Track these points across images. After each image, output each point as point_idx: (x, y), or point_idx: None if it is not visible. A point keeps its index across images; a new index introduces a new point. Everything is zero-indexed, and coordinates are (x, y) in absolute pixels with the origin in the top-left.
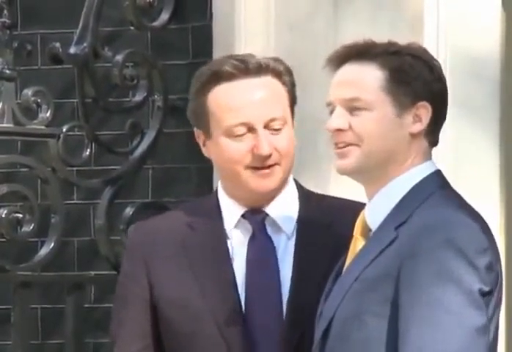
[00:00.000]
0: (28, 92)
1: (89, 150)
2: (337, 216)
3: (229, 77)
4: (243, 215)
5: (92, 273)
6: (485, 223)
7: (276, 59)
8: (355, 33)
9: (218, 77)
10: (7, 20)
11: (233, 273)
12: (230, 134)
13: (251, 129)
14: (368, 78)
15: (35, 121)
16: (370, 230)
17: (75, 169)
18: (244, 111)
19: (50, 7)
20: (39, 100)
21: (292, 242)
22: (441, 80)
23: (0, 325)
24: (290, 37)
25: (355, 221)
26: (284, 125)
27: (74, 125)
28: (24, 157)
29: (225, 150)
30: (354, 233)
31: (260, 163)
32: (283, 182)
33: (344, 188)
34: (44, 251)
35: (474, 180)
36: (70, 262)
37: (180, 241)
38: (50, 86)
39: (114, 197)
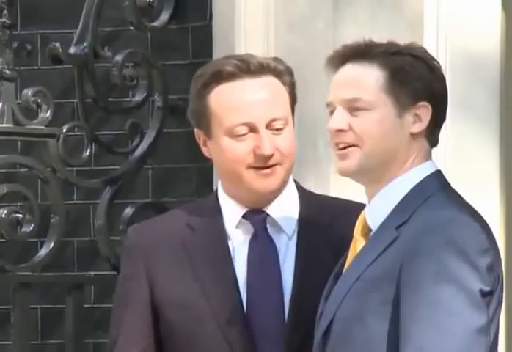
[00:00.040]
0: (28, 92)
1: (89, 150)
2: (337, 217)
3: (231, 77)
4: (243, 216)
5: (92, 273)
6: (485, 223)
7: (277, 59)
8: (355, 33)
9: (220, 77)
10: (7, 20)
11: (234, 274)
12: (232, 134)
13: (253, 129)
14: (369, 78)
15: (35, 121)
16: (371, 230)
17: (75, 169)
18: (246, 111)
19: (50, 7)
20: (39, 100)
21: (293, 242)
22: (441, 80)
23: (0, 325)
24: (290, 36)
25: (355, 222)
26: (285, 125)
27: (74, 125)
28: (24, 157)
29: (227, 150)
30: (354, 234)
31: (262, 163)
32: (284, 183)
33: (344, 188)
34: (44, 251)
35: (474, 180)
36: (69, 263)
37: (180, 242)
38: (50, 86)
39: (113, 197)
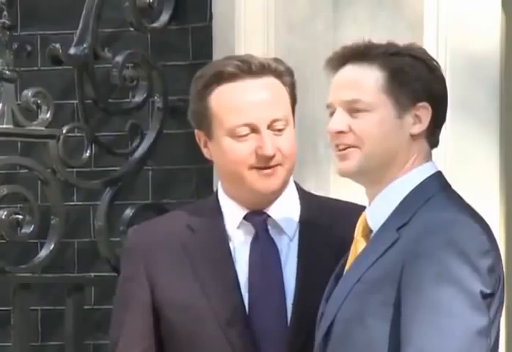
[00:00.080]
0: (28, 93)
1: (89, 151)
2: (337, 218)
3: (232, 77)
4: (244, 217)
5: (92, 274)
6: (486, 225)
7: (277, 60)
8: (355, 33)
9: (221, 77)
10: (7, 21)
11: (236, 274)
12: (233, 135)
13: (254, 130)
14: (368, 79)
15: (35, 122)
16: (371, 232)
17: (75, 170)
18: (248, 111)
19: (50, 8)
20: (39, 101)
21: (294, 243)
22: (441, 80)
23: (0, 326)
24: (290, 37)
25: (355, 224)
26: (286, 125)
27: (74, 126)
28: (24, 158)
29: (228, 151)
30: (355, 235)
31: (264, 164)
32: (285, 183)
33: (344, 190)
34: (44, 252)
35: (474, 181)
36: (70, 264)
37: (180, 243)
38: (50, 87)
39: (114, 198)
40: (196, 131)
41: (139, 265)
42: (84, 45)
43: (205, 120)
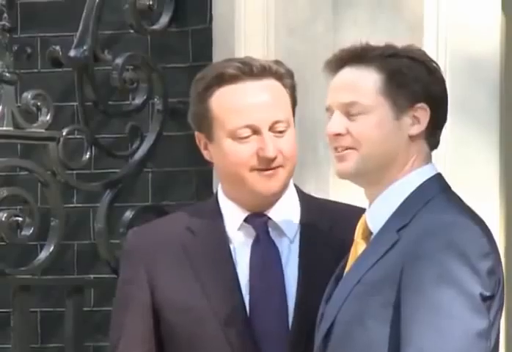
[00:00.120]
0: (28, 95)
1: (88, 153)
2: (336, 220)
3: (233, 79)
4: (245, 219)
5: (92, 276)
6: (486, 227)
7: (278, 62)
8: (355, 36)
9: (222, 79)
10: (7, 24)
11: (236, 276)
12: (235, 136)
13: (256, 131)
14: (366, 81)
15: (35, 124)
16: (371, 234)
17: (75, 172)
18: (249, 113)
19: (50, 10)
20: (39, 104)
21: (295, 245)
22: (440, 82)
23: (0, 328)
24: (290, 40)
25: (354, 225)
26: (287, 127)
27: (74, 129)
28: (24, 160)
29: (229, 153)
30: (355, 237)
31: (265, 166)
32: (286, 185)
33: (344, 191)
34: (44, 254)
35: (473, 183)
36: (69, 266)
37: (180, 245)
38: (50, 89)
39: (113, 200)
40: (196, 133)
41: (138, 267)
42: (84, 47)
43: (205, 122)
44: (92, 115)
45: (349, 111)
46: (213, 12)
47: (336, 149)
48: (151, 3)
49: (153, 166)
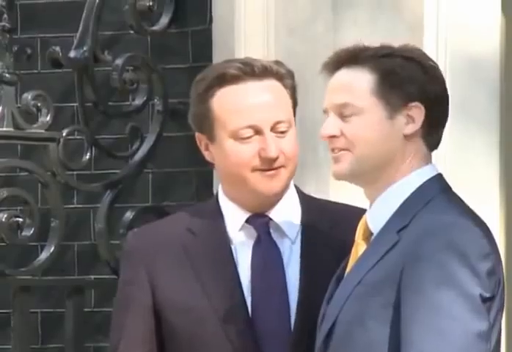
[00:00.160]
0: (28, 95)
1: (89, 154)
2: (336, 221)
3: (235, 80)
4: (246, 220)
5: (92, 277)
6: (486, 227)
7: (278, 62)
8: (355, 36)
9: (224, 80)
10: (7, 24)
11: (238, 276)
12: (237, 137)
13: (258, 131)
14: (359, 82)
15: (35, 125)
16: (372, 235)
17: (75, 172)
18: (251, 113)
19: (50, 11)
20: (39, 104)
21: (296, 246)
22: (436, 80)
23: (0, 329)
24: (290, 40)
25: (355, 226)
26: (289, 127)
27: (74, 129)
28: (24, 161)
29: (231, 153)
30: (356, 238)
31: (267, 166)
32: (287, 186)
33: (344, 192)
34: (44, 255)
35: (474, 183)
36: (70, 266)
37: (181, 245)
38: (50, 90)
39: (114, 201)
40: (197, 134)
41: (139, 268)
42: (84, 48)
43: (206, 123)
44: (92, 116)
45: (343, 113)
46: (212, 13)
47: (332, 150)
48: (151, 4)
49: (153, 166)
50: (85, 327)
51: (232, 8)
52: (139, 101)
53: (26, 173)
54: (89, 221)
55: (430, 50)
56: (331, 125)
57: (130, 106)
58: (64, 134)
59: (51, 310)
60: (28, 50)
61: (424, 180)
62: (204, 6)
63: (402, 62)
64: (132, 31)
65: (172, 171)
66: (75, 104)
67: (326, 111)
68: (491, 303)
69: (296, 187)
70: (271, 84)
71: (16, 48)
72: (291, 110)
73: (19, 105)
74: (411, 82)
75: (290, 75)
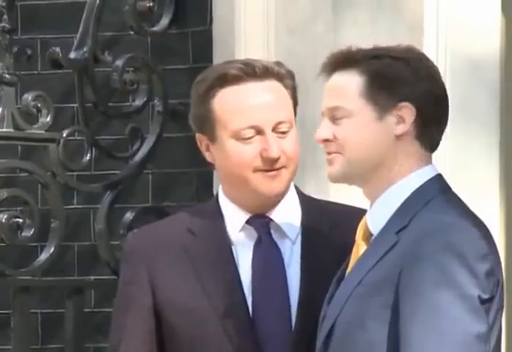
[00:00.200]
0: (28, 96)
1: (89, 155)
2: (337, 221)
3: (236, 80)
4: (247, 221)
5: (92, 277)
6: (485, 228)
7: (279, 63)
8: (355, 36)
9: (225, 80)
10: (7, 25)
11: (239, 277)
12: (238, 137)
13: (259, 132)
14: (349, 85)
15: (35, 126)
16: (372, 235)
17: (75, 173)
18: (253, 113)
19: (51, 12)
20: (39, 105)
21: (297, 247)
22: (426, 78)
23: (0, 329)
24: (290, 40)
25: (355, 226)
26: (290, 128)
27: (74, 130)
28: (24, 162)
29: (232, 154)
30: (356, 238)
31: (269, 166)
32: (288, 187)
33: (344, 193)
34: (44, 255)
35: (473, 183)
36: (70, 267)
37: (182, 246)
38: (50, 90)
39: (114, 202)
40: (197, 135)
41: (139, 269)
42: (84, 49)
43: (207, 123)
44: (92, 116)
45: (335, 116)
46: (213, 14)
47: (327, 153)
48: (151, 4)
49: (153, 167)
50: (85, 327)
51: (232, 9)
52: (139, 102)
53: (26, 174)
54: (89, 222)
55: (430, 50)
56: (324, 128)
57: (131, 107)
58: (64, 135)
59: (51, 311)
60: (29, 51)
61: (424, 180)
62: (204, 7)
63: (390, 63)
64: (132, 32)
65: (172, 171)
66: (75, 105)
67: (322, 115)
68: (490, 304)
69: (296, 187)
70: (272, 85)
71: (16, 49)
72: (292, 110)
73: (19, 105)
74: (399, 82)
75: (291, 75)
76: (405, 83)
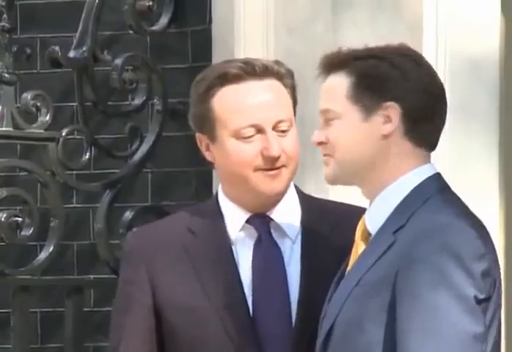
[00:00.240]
0: (27, 95)
1: (88, 154)
2: (337, 220)
3: (236, 79)
4: (247, 220)
5: (92, 276)
6: (483, 227)
7: (278, 62)
8: (354, 36)
9: (225, 79)
10: (7, 24)
11: (239, 276)
12: (239, 136)
13: (260, 130)
14: (337, 87)
15: (34, 125)
16: (370, 235)
17: (74, 172)
18: (253, 112)
19: (50, 11)
20: (38, 104)
21: (297, 246)
22: (415, 79)
23: (0, 328)
24: (290, 40)
25: (355, 225)
26: (290, 126)
27: (73, 129)
28: (23, 161)
29: (233, 153)
30: (356, 238)
31: (270, 165)
32: (288, 186)
33: (343, 192)
34: (43, 254)
35: (473, 183)
36: (69, 266)
37: (181, 245)
38: (49, 89)
39: (113, 201)
40: (197, 135)
41: (139, 268)
42: (84, 48)
43: (207, 123)
44: (91, 115)
45: (327, 118)
46: (212, 13)
47: (323, 155)
48: (150, 4)
49: (153, 166)
50: (84, 327)
51: (231, 8)
52: (138, 101)
53: (25, 173)
54: (89, 221)
55: (429, 50)
56: (318, 131)
57: (130, 106)
58: (63, 134)
59: (51, 310)
60: (28, 50)
61: (422, 178)
62: (203, 6)
63: (375, 63)
64: (131, 31)
65: (171, 170)
66: (74, 104)
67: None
68: (487, 304)
69: (296, 187)
70: (272, 84)
71: (15, 48)
72: (292, 109)
73: (18, 105)
74: (384, 82)
75: (290, 74)
76: (390, 83)
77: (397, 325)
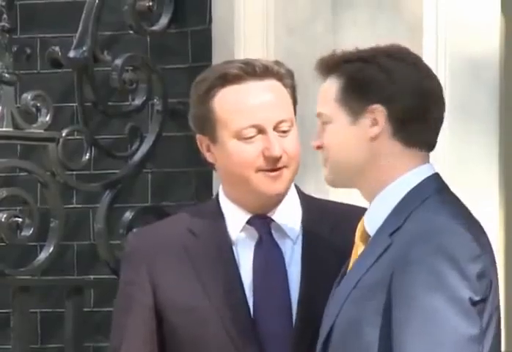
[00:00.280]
0: (27, 96)
1: (88, 154)
2: (338, 221)
3: (237, 79)
4: (247, 221)
5: (92, 277)
6: (480, 228)
7: (278, 62)
8: (354, 36)
9: (225, 80)
10: (7, 24)
11: (239, 277)
12: (240, 137)
13: (261, 131)
14: (328, 91)
15: (34, 125)
16: (370, 236)
17: (74, 172)
18: (254, 113)
19: (50, 11)
20: (38, 104)
21: (298, 247)
22: (402, 79)
23: (0, 329)
24: (290, 40)
25: (356, 225)
26: (291, 127)
27: (73, 129)
28: (23, 161)
29: (234, 153)
30: (355, 239)
31: (271, 166)
32: (289, 187)
33: (343, 192)
34: (43, 255)
35: (473, 183)
36: (69, 266)
37: (182, 246)
38: (49, 90)
39: (113, 201)
40: (198, 136)
41: (140, 269)
42: (84, 48)
43: (208, 124)
44: (91, 116)
45: (322, 122)
46: (212, 13)
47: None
48: (150, 4)
49: (153, 166)
50: (84, 327)
51: (231, 8)
52: (138, 101)
53: (25, 173)
54: (89, 221)
55: (429, 50)
56: (317, 136)
57: (130, 106)
58: (63, 134)
59: (51, 310)
60: (28, 50)
61: (421, 178)
62: (203, 7)
63: (362, 66)
64: (131, 31)
65: (171, 171)
66: (74, 104)
67: None
68: (484, 305)
69: (297, 187)
70: (272, 84)
71: (16, 48)
72: (292, 109)
73: (18, 105)
74: (369, 85)
75: (290, 74)
76: (375, 85)
77: (392, 328)
